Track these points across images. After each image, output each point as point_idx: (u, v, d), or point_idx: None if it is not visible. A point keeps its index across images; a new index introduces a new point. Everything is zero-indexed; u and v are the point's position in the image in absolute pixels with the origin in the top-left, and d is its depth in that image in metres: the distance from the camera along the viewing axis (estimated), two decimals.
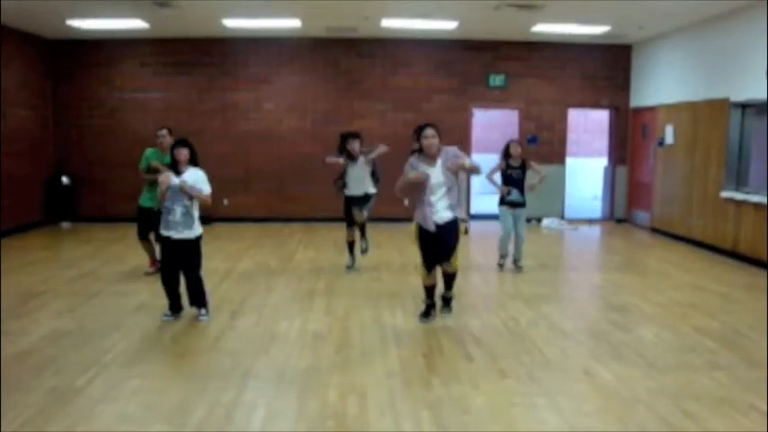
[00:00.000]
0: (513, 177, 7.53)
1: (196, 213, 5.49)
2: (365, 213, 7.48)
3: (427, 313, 5.66)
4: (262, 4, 8.78)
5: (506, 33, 10.79)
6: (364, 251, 7.68)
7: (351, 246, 7.61)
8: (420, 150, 5.49)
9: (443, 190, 5.37)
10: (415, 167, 5.40)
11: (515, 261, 7.68)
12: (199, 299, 5.60)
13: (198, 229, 5.50)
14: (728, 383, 4.21)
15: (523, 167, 7.55)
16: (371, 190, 7.45)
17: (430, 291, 5.67)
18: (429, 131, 5.43)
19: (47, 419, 3.62)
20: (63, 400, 3.88)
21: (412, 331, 5.33)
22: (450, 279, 5.71)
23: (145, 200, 7.10)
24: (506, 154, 7.54)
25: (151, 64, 11.32)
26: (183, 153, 5.45)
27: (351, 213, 7.44)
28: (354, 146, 7.31)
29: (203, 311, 5.60)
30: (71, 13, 9.12)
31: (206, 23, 9.92)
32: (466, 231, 5.50)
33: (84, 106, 11.32)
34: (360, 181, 7.35)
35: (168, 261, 5.50)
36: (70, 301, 6.14)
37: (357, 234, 7.58)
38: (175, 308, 5.63)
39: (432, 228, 5.36)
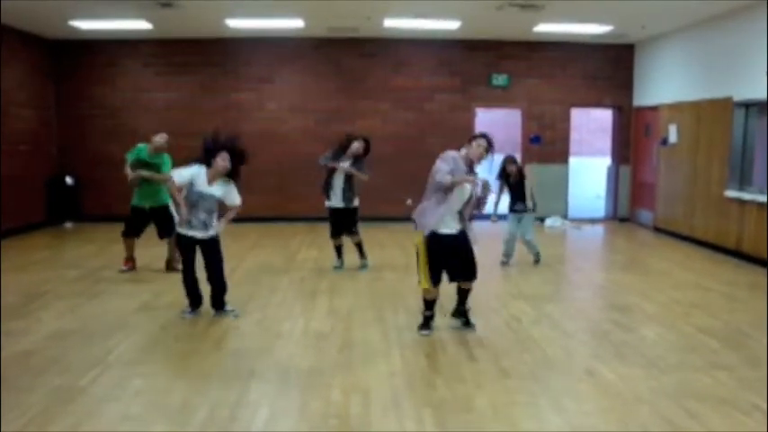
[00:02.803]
0: (512, 190, 7.87)
1: (215, 215, 5.53)
2: (356, 234, 7.51)
3: (426, 324, 5.29)
4: (264, 5, 8.79)
5: (509, 33, 10.79)
6: (364, 267, 7.63)
7: (338, 249, 7.66)
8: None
9: (466, 203, 5.13)
10: (456, 166, 4.94)
11: (534, 260, 8.03)
12: (220, 296, 5.66)
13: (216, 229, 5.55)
14: (731, 383, 4.20)
15: (521, 179, 7.80)
16: (352, 203, 7.38)
17: (431, 304, 5.27)
18: (482, 141, 5.06)
19: (50, 419, 3.63)
20: (66, 399, 3.89)
21: (414, 330, 5.32)
22: (466, 294, 5.34)
23: (136, 198, 7.29)
24: (504, 173, 7.82)
25: (154, 64, 11.34)
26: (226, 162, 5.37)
27: (335, 224, 7.45)
28: (358, 146, 7.31)
29: (229, 307, 5.68)
30: (74, 14, 9.14)
31: (209, 23, 9.94)
32: (474, 242, 5.33)
33: (86, 106, 11.34)
34: (338, 187, 7.30)
35: (189, 260, 5.56)
36: (73, 301, 6.16)
37: (344, 238, 7.62)
38: (195, 304, 5.71)
39: (452, 231, 5.07)
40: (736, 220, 8.48)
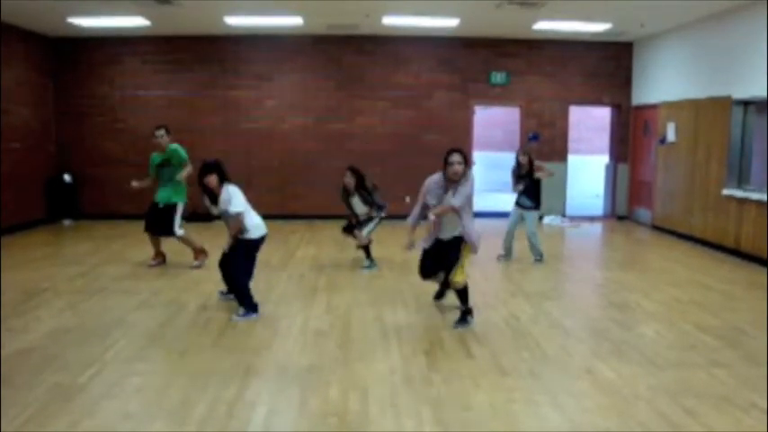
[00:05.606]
0: (521, 184, 7.90)
1: (245, 222, 5.57)
2: (365, 236, 7.36)
3: (439, 294, 6.08)
4: (263, 2, 8.78)
5: (508, 31, 10.78)
6: (368, 267, 7.50)
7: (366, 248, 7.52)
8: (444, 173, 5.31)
9: (455, 215, 5.27)
10: (430, 192, 5.36)
11: (535, 258, 8.04)
12: (235, 296, 5.72)
13: (247, 234, 5.59)
14: (729, 381, 4.21)
15: (531, 174, 7.83)
16: (374, 214, 7.39)
17: (438, 285, 5.99)
18: (456, 158, 5.16)
19: (49, 416, 3.63)
20: (65, 396, 3.89)
21: (413, 328, 5.34)
22: (458, 294, 5.44)
23: (156, 195, 7.48)
24: (517, 164, 7.94)
25: (152, 62, 11.32)
26: (212, 180, 5.58)
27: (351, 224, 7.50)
28: (348, 181, 7.25)
29: (239, 311, 5.61)
30: (72, 11, 9.12)
31: (207, 21, 9.92)
32: (475, 251, 5.38)
33: (85, 104, 11.33)
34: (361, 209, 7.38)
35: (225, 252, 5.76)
36: (72, 299, 6.16)
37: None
38: (230, 291, 5.91)
39: (435, 240, 5.51)
40: (734, 218, 8.49)
